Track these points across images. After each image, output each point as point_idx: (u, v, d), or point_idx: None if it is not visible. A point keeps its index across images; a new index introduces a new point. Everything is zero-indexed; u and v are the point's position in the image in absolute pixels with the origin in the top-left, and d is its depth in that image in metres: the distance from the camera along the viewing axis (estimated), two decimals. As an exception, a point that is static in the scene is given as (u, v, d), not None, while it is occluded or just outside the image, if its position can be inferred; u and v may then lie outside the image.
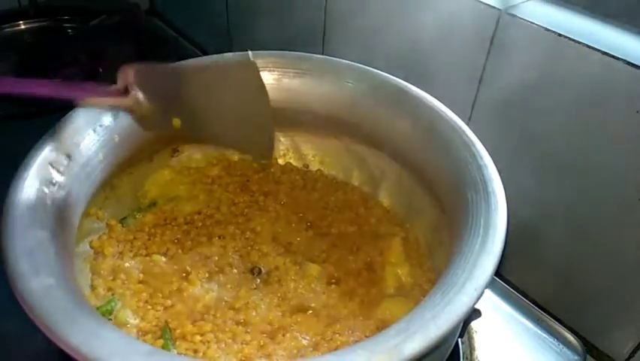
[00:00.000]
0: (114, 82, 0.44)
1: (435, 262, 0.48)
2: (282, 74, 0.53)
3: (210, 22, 0.92)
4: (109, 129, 0.47)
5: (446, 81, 0.56)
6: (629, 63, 0.43)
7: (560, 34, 0.46)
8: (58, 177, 0.42)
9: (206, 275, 0.46)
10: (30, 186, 0.40)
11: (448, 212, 0.44)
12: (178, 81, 0.45)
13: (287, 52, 0.54)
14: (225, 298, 0.45)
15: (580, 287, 0.53)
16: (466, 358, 0.49)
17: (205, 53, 0.94)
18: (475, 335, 0.50)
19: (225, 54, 0.54)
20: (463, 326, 0.46)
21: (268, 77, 0.53)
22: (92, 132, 0.46)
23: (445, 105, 0.48)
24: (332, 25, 0.69)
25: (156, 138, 0.52)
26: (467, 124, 0.46)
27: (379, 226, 0.52)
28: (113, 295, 0.45)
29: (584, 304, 0.54)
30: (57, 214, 0.40)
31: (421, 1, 0.56)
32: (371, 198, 0.55)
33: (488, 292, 0.54)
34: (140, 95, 0.43)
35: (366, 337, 0.41)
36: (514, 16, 0.49)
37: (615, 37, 0.46)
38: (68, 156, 0.43)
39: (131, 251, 0.48)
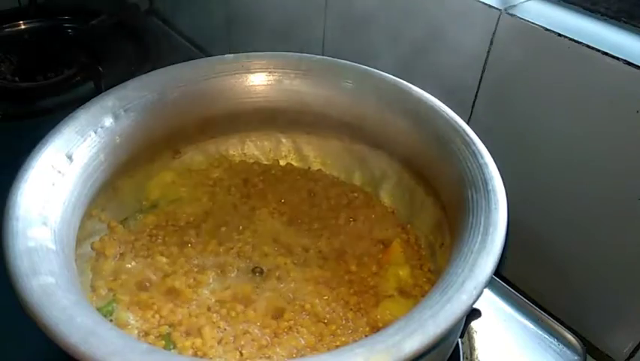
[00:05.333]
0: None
1: (436, 263, 0.48)
2: (282, 74, 0.53)
3: (210, 23, 0.92)
4: (110, 131, 0.47)
5: (446, 81, 0.56)
6: (629, 63, 0.43)
7: (559, 34, 0.46)
8: (59, 178, 0.42)
9: (208, 276, 0.46)
10: (31, 187, 0.40)
11: (449, 211, 0.44)
12: None
13: (287, 52, 0.54)
14: (226, 298, 0.45)
15: (580, 287, 0.53)
16: (466, 358, 0.49)
17: (205, 54, 0.95)
18: (475, 335, 0.50)
19: (225, 55, 0.55)
20: (464, 326, 0.46)
21: (269, 78, 0.53)
22: (93, 134, 0.46)
23: (446, 105, 0.48)
24: (332, 25, 0.69)
25: (157, 139, 0.52)
26: (467, 123, 0.46)
27: (380, 227, 0.52)
28: (114, 295, 0.45)
29: (584, 304, 0.54)
30: (58, 215, 0.40)
31: (422, 1, 0.57)
32: (372, 199, 0.55)
33: (488, 292, 0.54)
34: None
35: (366, 337, 0.41)
36: (514, 16, 0.49)
37: (615, 37, 0.47)
38: (69, 157, 0.43)
39: (132, 252, 0.48)
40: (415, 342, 0.31)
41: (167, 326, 0.42)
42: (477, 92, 0.55)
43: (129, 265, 0.47)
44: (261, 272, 0.47)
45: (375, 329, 0.43)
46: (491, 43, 0.52)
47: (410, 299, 0.46)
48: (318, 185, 0.56)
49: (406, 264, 0.48)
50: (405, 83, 0.51)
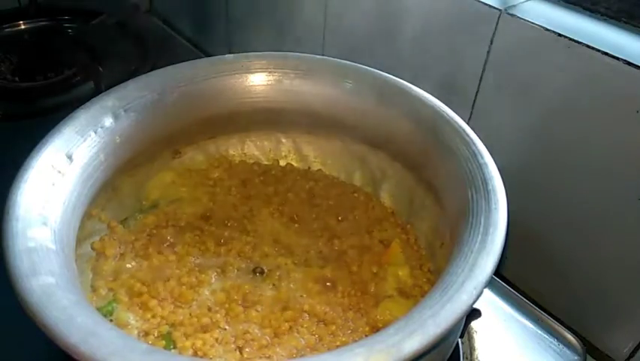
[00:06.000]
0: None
1: (436, 263, 0.48)
2: (282, 74, 0.53)
3: (210, 23, 0.92)
4: (110, 130, 0.47)
5: (446, 81, 0.56)
6: (629, 63, 0.43)
7: (560, 34, 0.46)
8: (59, 178, 0.42)
9: (208, 276, 0.46)
10: (31, 187, 0.40)
11: (449, 211, 0.44)
12: None
13: (287, 53, 0.55)
14: (226, 298, 0.45)
15: (580, 287, 0.53)
16: (466, 358, 0.49)
17: (205, 54, 0.95)
18: (475, 335, 0.50)
19: (225, 55, 0.55)
20: (464, 326, 0.46)
21: (269, 78, 0.53)
22: (93, 133, 0.46)
23: (446, 105, 0.48)
24: (332, 25, 0.69)
25: (157, 139, 0.52)
26: (467, 123, 0.46)
27: (380, 227, 0.52)
28: (114, 295, 0.45)
29: (584, 304, 0.54)
30: (58, 215, 0.40)
31: (421, 1, 0.57)
32: (372, 199, 0.55)
33: (488, 292, 0.54)
34: None
35: (366, 337, 0.41)
36: (514, 16, 0.49)
37: (615, 37, 0.47)
38: (69, 157, 0.43)
39: (132, 252, 0.48)
40: (415, 342, 0.31)
41: (167, 326, 0.42)
42: (477, 92, 0.55)
43: (129, 265, 0.47)
44: (262, 272, 0.47)
45: (375, 329, 0.43)
46: (491, 43, 0.52)
47: (410, 299, 0.46)
48: (318, 185, 0.56)
49: (405, 264, 0.48)
50: (405, 83, 0.51)
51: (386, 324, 0.43)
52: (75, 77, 0.83)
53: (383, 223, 0.52)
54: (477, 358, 0.49)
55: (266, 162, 0.59)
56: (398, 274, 0.47)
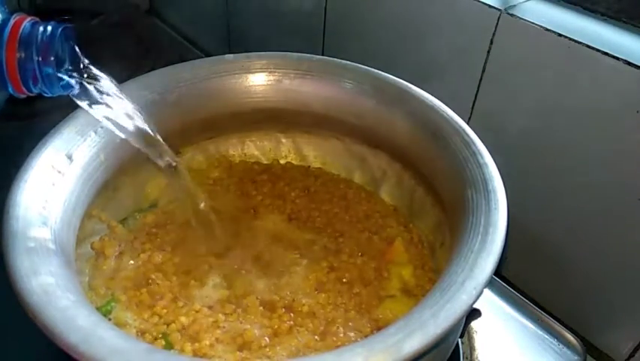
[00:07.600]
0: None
1: (436, 263, 0.48)
2: (282, 75, 0.53)
3: (210, 23, 0.92)
4: (110, 130, 0.47)
5: (446, 81, 0.56)
6: (629, 63, 0.43)
7: (560, 34, 0.46)
8: (59, 178, 0.42)
9: (207, 275, 0.46)
10: (31, 187, 0.40)
11: (449, 211, 0.44)
12: None
13: (287, 53, 0.54)
14: (226, 297, 0.45)
15: (580, 287, 0.53)
16: (466, 358, 0.49)
17: (205, 54, 0.95)
18: (475, 335, 0.50)
19: (225, 55, 0.55)
20: (464, 326, 0.46)
21: (269, 78, 0.53)
22: (93, 133, 0.46)
23: (446, 105, 0.48)
24: (332, 25, 0.69)
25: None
26: (467, 124, 0.46)
27: (382, 226, 0.52)
28: (112, 295, 0.45)
29: (584, 304, 0.54)
30: (58, 215, 0.40)
31: (421, 0, 0.57)
32: (374, 197, 0.55)
33: (488, 292, 0.54)
34: None
35: (367, 337, 0.41)
36: (514, 16, 0.49)
37: (615, 37, 0.47)
38: (69, 157, 0.43)
39: (131, 252, 0.48)
40: (415, 342, 0.31)
41: (166, 326, 0.42)
42: (477, 92, 0.55)
43: (128, 265, 0.47)
44: (262, 272, 0.47)
45: (377, 328, 0.43)
46: (491, 43, 0.52)
47: (412, 299, 0.46)
48: (319, 183, 0.56)
49: (409, 263, 0.48)
50: (405, 83, 0.51)
51: (388, 324, 0.42)
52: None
53: (386, 221, 0.52)
54: (477, 358, 0.49)
55: (266, 162, 0.59)
56: (402, 273, 0.47)
